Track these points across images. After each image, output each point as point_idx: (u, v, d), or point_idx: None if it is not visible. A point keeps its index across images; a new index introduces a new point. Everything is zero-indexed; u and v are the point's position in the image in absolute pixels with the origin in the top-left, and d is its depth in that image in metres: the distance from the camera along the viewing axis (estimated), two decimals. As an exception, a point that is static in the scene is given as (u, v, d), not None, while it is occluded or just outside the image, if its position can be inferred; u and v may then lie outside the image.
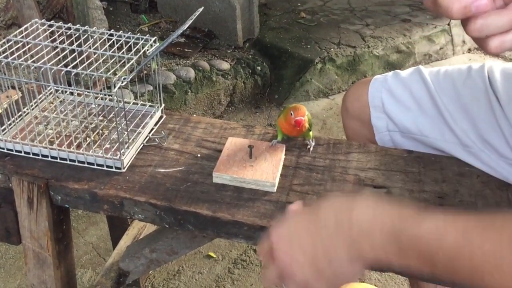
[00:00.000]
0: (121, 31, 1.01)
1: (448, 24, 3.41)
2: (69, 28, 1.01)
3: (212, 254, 1.79)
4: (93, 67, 0.89)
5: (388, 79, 1.10)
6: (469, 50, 3.54)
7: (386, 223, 0.61)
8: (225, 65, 2.75)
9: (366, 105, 1.10)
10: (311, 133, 1.01)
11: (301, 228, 0.68)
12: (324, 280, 0.66)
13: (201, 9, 0.94)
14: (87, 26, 1.02)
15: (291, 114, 0.94)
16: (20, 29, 0.98)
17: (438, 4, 0.56)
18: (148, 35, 1.01)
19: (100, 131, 1.01)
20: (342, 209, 0.65)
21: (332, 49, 2.97)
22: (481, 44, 0.59)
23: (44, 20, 1.02)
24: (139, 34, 1.01)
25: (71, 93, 1.10)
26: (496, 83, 0.96)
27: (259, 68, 2.85)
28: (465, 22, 0.57)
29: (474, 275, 0.54)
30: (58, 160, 0.94)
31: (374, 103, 1.09)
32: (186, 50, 2.85)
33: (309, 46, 2.99)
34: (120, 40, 0.99)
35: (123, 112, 0.96)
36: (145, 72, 2.45)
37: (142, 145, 1.00)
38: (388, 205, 0.64)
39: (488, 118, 0.95)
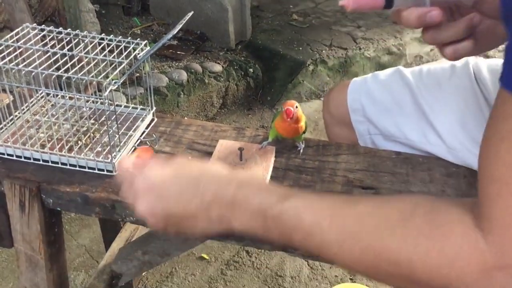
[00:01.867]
0: (112, 35, 1.02)
1: (439, 26, 3.44)
2: (61, 32, 1.01)
3: (204, 255, 1.80)
4: (84, 70, 0.90)
5: (367, 81, 1.09)
6: (460, 52, 3.57)
7: (255, 200, 0.66)
8: (218, 67, 2.76)
9: (347, 109, 1.10)
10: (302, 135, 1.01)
11: (176, 188, 0.71)
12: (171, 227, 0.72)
13: (191, 13, 0.95)
14: (78, 30, 1.02)
15: (282, 109, 0.94)
16: (11, 33, 0.99)
17: (400, 16, 0.64)
18: (140, 38, 1.02)
19: (92, 135, 1.01)
20: (222, 184, 0.69)
21: (324, 51, 2.99)
22: (440, 50, 0.67)
23: (35, 24, 1.03)
24: (130, 37, 1.02)
25: (63, 97, 1.10)
26: (485, 81, 0.95)
27: (251, 70, 2.86)
28: (423, 32, 0.66)
29: (324, 251, 0.60)
30: (50, 164, 0.95)
31: (354, 106, 1.08)
32: (179, 52, 2.86)
33: (301, 48, 3.01)
34: (111, 44, 1.00)
35: (114, 115, 0.97)
36: (137, 74, 2.46)
37: (133, 148, 1.01)
38: (261, 184, 0.72)
39: (476, 117, 0.94)
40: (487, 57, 1.52)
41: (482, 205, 0.52)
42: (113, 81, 0.86)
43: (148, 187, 0.71)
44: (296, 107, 0.93)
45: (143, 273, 1.66)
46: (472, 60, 1.01)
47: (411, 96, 1.02)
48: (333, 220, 0.59)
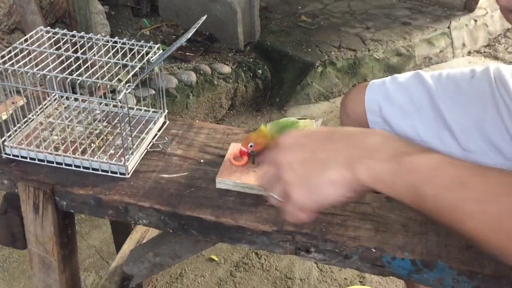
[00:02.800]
0: (125, 38, 1.03)
1: (448, 27, 3.42)
2: (74, 36, 1.02)
3: (214, 257, 1.80)
4: (98, 74, 0.91)
5: (386, 83, 1.10)
6: (469, 53, 3.56)
7: (393, 145, 0.61)
8: (227, 69, 2.77)
9: (365, 110, 1.11)
10: None
11: (310, 137, 0.68)
12: (304, 189, 0.65)
13: (204, 17, 0.96)
14: (91, 34, 1.03)
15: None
16: (25, 37, 1.00)
17: None
18: (150, 40, 1.02)
19: (105, 137, 1.02)
20: (356, 132, 0.66)
21: (332, 52, 2.98)
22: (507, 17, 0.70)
23: (49, 28, 1.04)
24: (141, 39, 1.02)
25: (76, 99, 1.11)
26: (506, 84, 0.96)
27: (260, 71, 2.86)
28: None
29: (458, 209, 0.55)
30: (63, 166, 0.96)
31: (371, 107, 1.09)
32: (188, 53, 2.87)
33: (309, 50, 3.01)
34: (124, 47, 1.01)
35: (128, 118, 0.97)
36: (148, 76, 2.47)
37: (146, 150, 1.01)
38: (399, 138, 0.65)
39: (494, 121, 0.95)
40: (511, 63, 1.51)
41: None
42: (127, 85, 0.87)
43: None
44: (251, 145, 0.93)
45: (153, 275, 1.67)
46: (493, 65, 1.02)
47: (429, 99, 1.03)
48: (476, 178, 0.56)
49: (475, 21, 3.59)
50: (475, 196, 0.54)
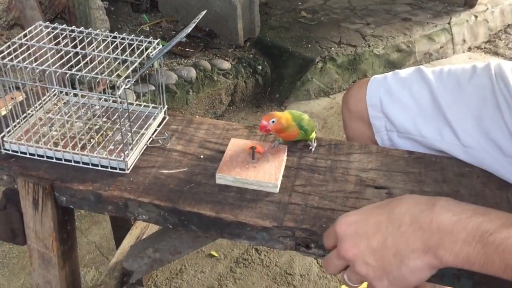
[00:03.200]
0: (124, 34, 1.02)
1: (449, 23, 3.42)
2: (73, 31, 1.02)
3: (214, 253, 1.80)
4: (97, 70, 0.90)
5: (387, 78, 1.10)
6: (470, 49, 3.55)
7: (471, 222, 0.59)
8: (226, 65, 2.76)
9: (366, 105, 1.11)
10: (313, 134, 1.01)
11: (372, 220, 0.66)
12: (387, 281, 0.64)
13: (204, 12, 0.95)
14: (90, 28, 1.02)
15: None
16: (24, 32, 0.99)
17: None
18: (150, 35, 1.02)
19: (104, 133, 1.02)
20: (420, 208, 0.63)
21: (332, 48, 2.98)
22: None
23: (48, 22, 1.03)
24: (140, 35, 1.02)
25: (75, 95, 1.11)
26: (507, 81, 0.95)
27: (260, 67, 2.86)
28: None
29: None
30: (63, 162, 0.95)
31: (372, 102, 1.10)
32: (188, 49, 2.86)
33: (309, 45, 3.00)
34: (123, 42, 1.00)
35: (127, 114, 0.97)
36: (147, 72, 2.46)
37: (145, 146, 1.01)
38: (470, 206, 0.62)
39: (494, 117, 0.95)
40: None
41: None
42: (127, 80, 0.87)
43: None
44: (273, 121, 0.93)
45: (153, 271, 1.67)
46: (494, 62, 1.01)
47: (430, 95, 1.03)
48: None
49: (476, 17, 3.58)
50: None
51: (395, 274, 0.63)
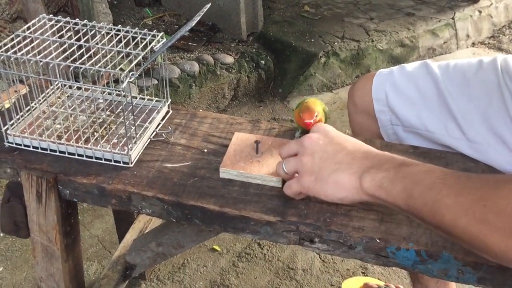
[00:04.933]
0: (128, 27, 1.02)
1: (453, 18, 3.40)
2: (77, 24, 1.01)
3: (216, 247, 1.80)
4: (101, 63, 0.90)
5: (393, 72, 1.10)
6: (473, 44, 3.53)
7: (397, 160, 0.70)
8: (229, 59, 2.75)
9: (372, 99, 1.11)
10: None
11: (342, 138, 0.78)
12: (314, 178, 0.75)
13: (208, 5, 0.95)
14: (94, 21, 1.02)
15: (303, 106, 0.95)
16: (28, 24, 0.99)
17: None
18: (153, 29, 1.02)
19: (108, 126, 1.02)
20: (374, 149, 0.76)
21: (336, 43, 2.97)
22: None
23: (51, 15, 1.03)
24: (143, 29, 1.01)
25: (79, 88, 1.11)
26: None
27: (263, 62, 2.85)
28: None
29: (437, 204, 0.61)
30: (66, 155, 0.95)
31: (377, 96, 1.09)
32: (190, 44, 2.85)
33: (313, 40, 2.99)
34: (127, 36, 1.00)
35: (131, 107, 0.97)
36: (150, 66, 2.46)
37: (149, 140, 1.01)
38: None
39: (500, 112, 0.94)
40: None
41: None
42: (130, 73, 0.86)
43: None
44: (317, 115, 0.94)
45: (156, 264, 1.67)
46: (501, 56, 1.01)
47: (436, 89, 1.02)
48: (456, 179, 0.62)
49: (480, 12, 3.56)
50: (453, 191, 0.60)
51: (324, 177, 0.74)
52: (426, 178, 0.64)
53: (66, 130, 0.99)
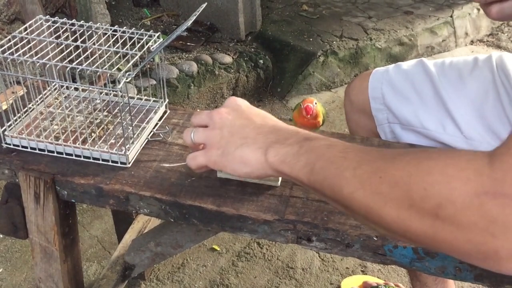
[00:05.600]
0: (125, 27, 1.02)
1: (451, 16, 3.40)
2: (74, 24, 1.01)
3: (216, 247, 1.81)
4: (97, 63, 0.90)
5: (389, 70, 1.10)
6: (472, 42, 3.53)
7: (302, 135, 0.69)
8: (228, 59, 2.76)
9: (368, 97, 1.11)
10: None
11: (252, 112, 0.78)
12: (221, 151, 0.75)
13: (204, 5, 0.95)
14: (91, 22, 1.02)
15: (301, 105, 0.96)
16: (25, 25, 0.99)
17: None
18: (151, 29, 1.02)
19: (105, 127, 1.02)
20: (282, 123, 0.76)
21: (334, 42, 2.97)
22: (485, 10, 0.72)
23: (48, 16, 1.03)
24: (142, 29, 1.01)
25: (76, 89, 1.11)
26: (508, 73, 0.95)
27: (261, 61, 2.85)
28: None
29: (337, 178, 0.60)
30: (64, 156, 0.95)
31: (374, 94, 1.10)
32: (189, 44, 2.85)
33: (311, 39, 2.99)
34: (124, 36, 1.00)
35: (128, 108, 0.97)
36: (148, 66, 2.46)
37: (146, 140, 1.01)
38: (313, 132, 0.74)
39: (495, 109, 0.95)
40: None
41: (500, 145, 0.52)
42: (127, 74, 0.86)
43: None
44: (315, 103, 0.94)
45: (155, 264, 1.67)
46: (496, 54, 1.01)
47: (432, 87, 1.03)
48: (357, 153, 0.61)
49: (478, 10, 3.56)
50: (352, 165, 0.60)
51: (231, 151, 0.74)
52: (328, 152, 0.63)
53: (63, 131, 0.99)
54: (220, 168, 0.77)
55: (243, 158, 0.72)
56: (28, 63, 0.89)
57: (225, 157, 0.74)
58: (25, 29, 0.98)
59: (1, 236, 1.80)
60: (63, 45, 0.96)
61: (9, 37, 0.95)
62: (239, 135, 0.74)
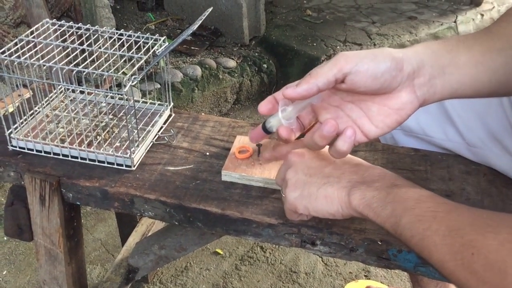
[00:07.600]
0: (130, 31, 1.03)
1: (455, 22, 3.40)
2: (80, 28, 1.02)
3: (219, 250, 1.81)
4: (103, 67, 0.91)
5: None
6: (476, 47, 3.53)
7: (389, 180, 0.68)
8: (232, 63, 2.76)
9: None
10: None
11: (326, 153, 0.76)
12: (300, 193, 0.73)
13: (210, 9, 0.95)
14: (97, 26, 1.03)
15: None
16: (31, 29, 1.00)
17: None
18: (156, 34, 1.02)
19: (111, 130, 1.02)
20: (363, 163, 0.75)
21: (338, 47, 2.97)
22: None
23: (54, 20, 1.04)
24: (146, 33, 1.02)
25: (82, 92, 1.11)
26: None
27: (265, 65, 2.86)
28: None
29: (425, 240, 0.59)
30: (69, 158, 0.96)
31: None
32: (193, 48, 2.86)
33: (315, 44, 3.00)
34: (129, 40, 1.00)
35: (133, 111, 0.97)
36: (153, 70, 2.47)
37: (151, 143, 1.01)
38: (398, 176, 0.72)
39: (498, 116, 0.94)
40: None
41: None
42: (133, 77, 0.87)
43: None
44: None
45: (158, 268, 1.67)
46: None
47: None
48: (447, 214, 0.59)
49: (482, 15, 3.57)
50: (441, 230, 0.58)
51: (313, 192, 0.71)
52: (416, 207, 0.61)
53: (69, 134, 1.00)
54: (302, 211, 0.74)
55: (327, 197, 0.70)
56: (34, 66, 0.89)
57: (307, 198, 0.72)
58: (31, 32, 0.98)
59: (5, 238, 1.81)
60: (69, 49, 0.97)
61: (15, 40, 0.96)
62: (319, 175, 0.72)
